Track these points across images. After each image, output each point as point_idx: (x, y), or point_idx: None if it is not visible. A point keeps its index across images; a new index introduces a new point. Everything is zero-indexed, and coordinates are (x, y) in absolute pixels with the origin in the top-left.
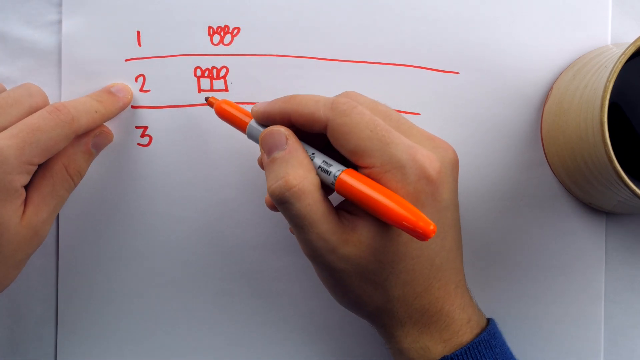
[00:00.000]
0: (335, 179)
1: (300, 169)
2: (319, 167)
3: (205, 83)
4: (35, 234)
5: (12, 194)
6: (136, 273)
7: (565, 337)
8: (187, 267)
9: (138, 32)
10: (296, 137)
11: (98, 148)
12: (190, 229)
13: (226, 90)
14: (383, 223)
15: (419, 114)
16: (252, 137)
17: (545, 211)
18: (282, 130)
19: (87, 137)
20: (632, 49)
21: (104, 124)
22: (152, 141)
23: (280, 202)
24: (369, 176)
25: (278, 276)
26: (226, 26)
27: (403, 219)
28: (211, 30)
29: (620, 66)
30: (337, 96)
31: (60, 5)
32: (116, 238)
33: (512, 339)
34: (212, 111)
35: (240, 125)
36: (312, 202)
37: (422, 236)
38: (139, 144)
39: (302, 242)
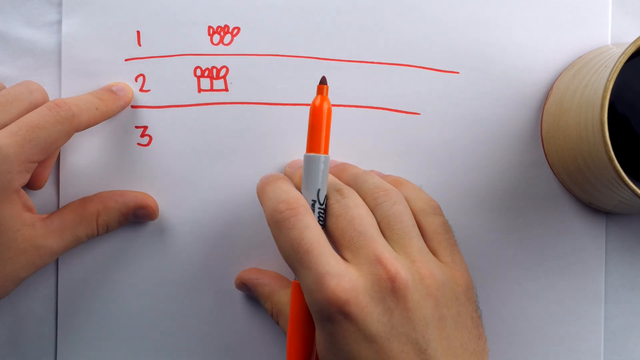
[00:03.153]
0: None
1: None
2: None
3: (205, 83)
4: (35, 249)
5: (11, 194)
6: (136, 273)
7: (565, 337)
8: (187, 267)
9: (138, 32)
10: None
11: (136, 219)
12: (190, 229)
13: (226, 90)
14: None
15: (419, 114)
16: (305, 163)
17: (545, 211)
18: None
19: (134, 203)
20: (632, 49)
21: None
22: (152, 141)
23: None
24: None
25: None
26: (226, 26)
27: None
28: (211, 30)
29: (620, 66)
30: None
31: (60, 5)
32: (116, 238)
33: (512, 339)
34: (211, 111)
35: (312, 143)
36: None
37: None
38: (139, 144)
39: None
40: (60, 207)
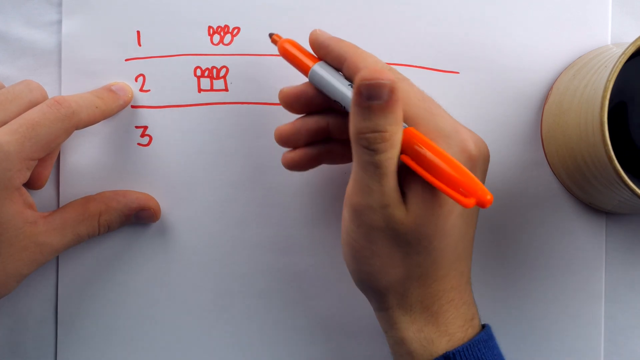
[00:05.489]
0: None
1: (395, 124)
2: None
3: (205, 83)
4: (37, 246)
5: (12, 191)
6: (136, 273)
7: (565, 337)
8: (187, 267)
9: (138, 32)
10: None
11: (138, 220)
12: (190, 229)
13: (226, 90)
14: (429, 194)
15: None
16: (314, 81)
17: (545, 211)
18: (386, 84)
19: (137, 205)
20: (632, 49)
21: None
22: (152, 141)
23: (366, 147)
24: None
25: (278, 276)
26: (226, 26)
27: (470, 185)
28: (211, 30)
29: (620, 66)
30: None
31: (60, 5)
32: (116, 238)
33: (512, 339)
34: (211, 111)
35: (302, 69)
36: (393, 156)
37: (481, 203)
38: (139, 144)
39: (363, 189)
40: (60, 206)
